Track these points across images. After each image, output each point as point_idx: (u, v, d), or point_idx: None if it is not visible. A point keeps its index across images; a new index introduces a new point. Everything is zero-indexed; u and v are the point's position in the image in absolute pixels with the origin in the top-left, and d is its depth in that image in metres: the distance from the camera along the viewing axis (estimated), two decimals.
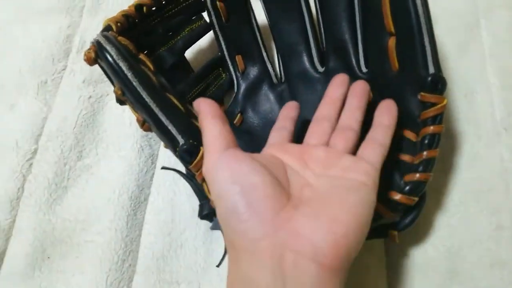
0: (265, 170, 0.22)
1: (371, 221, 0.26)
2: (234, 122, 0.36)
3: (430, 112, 0.26)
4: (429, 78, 0.25)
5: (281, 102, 0.37)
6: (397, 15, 0.27)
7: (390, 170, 0.27)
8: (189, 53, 0.37)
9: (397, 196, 0.25)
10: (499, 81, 0.35)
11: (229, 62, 0.37)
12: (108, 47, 0.23)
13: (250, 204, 0.20)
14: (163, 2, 0.32)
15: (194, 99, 0.35)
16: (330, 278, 0.19)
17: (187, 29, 0.35)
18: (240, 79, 0.38)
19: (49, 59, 0.39)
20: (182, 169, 0.34)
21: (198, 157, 0.24)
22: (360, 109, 0.27)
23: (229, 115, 0.37)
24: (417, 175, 0.25)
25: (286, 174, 0.23)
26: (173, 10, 0.33)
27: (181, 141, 0.24)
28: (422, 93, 0.26)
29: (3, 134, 0.36)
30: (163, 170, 0.35)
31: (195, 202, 0.33)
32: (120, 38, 0.25)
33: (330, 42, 0.34)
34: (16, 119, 0.37)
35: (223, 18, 0.35)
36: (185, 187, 0.34)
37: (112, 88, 0.31)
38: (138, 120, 0.25)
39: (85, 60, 0.24)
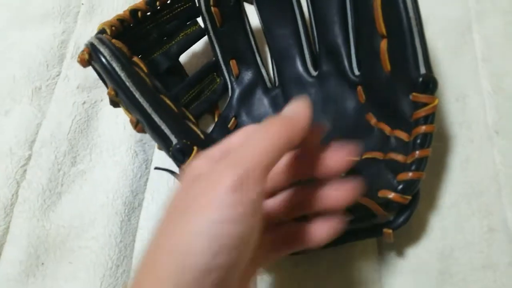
0: None
1: (365, 220, 0.27)
2: (229, 126, 0.36)
3: (422, 112, 0.26)
4: (420, 79, 0.26)
5: (275, 106, 0.37)
6: (389, 18, 0.27)
7: (383, 170, 0.27)
8: (184, 58, 0.38)
9: (391, 195, 0.25)
10: (491, 85, 0.35)
11: (223, 67, 0.38)
12: (102, 48, 0.23)
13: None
14: (158, 7, 0.33)
15: (188, 103, 0.35)
16: None
17: (182, 34, 0.35)
18: (234, 83, 0.38)
19: (43, 65, 0.39)
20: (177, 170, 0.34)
21: (191, 157, 0.24)
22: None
23: (223, 119, 0.37)
24: (410, 174, 0.25)
25: None
26: (168, 15, 0.34)
27: (174, 140, 0.24)
28: (414, 94, 0.26)
29: None
30: (157, 176, 0.35)
31: None
32: (114, 41, 0.26)
33: (323, 46, 0.35)
34: (10, 125, 0.37)
35: (217, 24, 0.36)
36: None
37: (106, 93, 0.32)
38: (131, 121, 0.26)
39: (78, 62, 0.24)
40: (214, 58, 0.38)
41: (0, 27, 0.42)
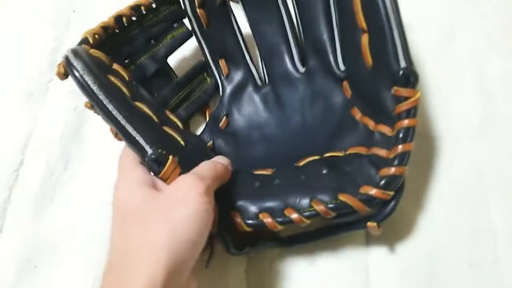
0: None
1: (348, 215, 0.27)
2: (220, 125, 0.37)
3: (404, 106, 0.26)
4: (401, 72, 0.25)
5: (265, 103, 0.37)
6: (368, 12, 0.27)
7: (366, 165, 0.27)
8: (174, 61, 0.38)
9: (373, 191, 0.25)
10: (475, 86, 0.35)
11: (213, 67, 0.38)
12: (75, 62, 0.24)
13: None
14: (144, 12, 0.33)
15: (178, 104, 0.36)
16: None
17: (169, 36, 0.36)
18: (225, 82, 0.38)
19: (36, 71, 0.40)
20: None
21: (167, 166, 0.24)
22: None
23: (215, 119, 0.37)
24: (392, 169, 0.25)
25: None
26: (154, 19, 0.34)
27: (149, 151, 0.25)
28: (395, 88, 0.26)
29: None
30: None
31: None
32: (92, 50, 0.26)
33: (309, 43, 0.34)
34: (3, 130, 0.38)
35: (204, 25, 0.36)
36: None
37: None
38: (111, 131, 0.26)
39: (56, 75, 0.25)
40: (203, 59, 0.38)
41: None
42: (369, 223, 0.26)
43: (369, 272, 0.29)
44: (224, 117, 0.37)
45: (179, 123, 0.31)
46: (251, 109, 0.37)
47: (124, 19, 0.32)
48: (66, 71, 0.24)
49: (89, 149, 0.37)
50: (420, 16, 0.38)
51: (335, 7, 0.32)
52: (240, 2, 0.36)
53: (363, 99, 0.30)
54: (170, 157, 0.25)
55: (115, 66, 0.28)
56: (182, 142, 0.29)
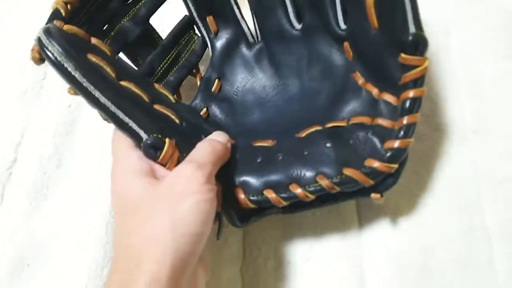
0: None
1: (352, 187, 0.27)
2: (212, 90, 0.35)
3: (411, 75, 0.24)
4: (410, 38, 0.24)
5: (259, 63, 0.35)
6: None
7: (371, 136, 0.26)
8: (156, 21, 0.34)
9: (377, 164, 0.25)
10: (469, 87, 0.35)
11: (200, 24, 0.35)
12: (50, 46, 0.21)
13: None
14: None
15: (166, 70, 0.33)
16: None
17: None
18: (214, 41, 0.35)
19: (29, 68, 0.39)
20: None
21: (165, 151, 0.23)
22: None
23: (206, 83, 0.35)
24: (397, 142, 0.25)
25: None
26: None
27: (144, 136, 0.23)
28: (402, 55, 0.24)
29: None
30: None
31: None
32: (66, 27, 0.23)
33: None
34: None
35: None
36: None
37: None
38: (101, 116, 0.24)
39: (31, 59, 0.22)
40: (188, 14, 0.34)
41: None
42: (372, 194, 0.27)
43: (364, 269, 0.30)
44: (216, 80, 0.35)
45: (170, 97, 0.29)
46: (244, 69, 0.35)
47: None
48: (41, 55, 0.22)
49: (83, 147, 0.36)
50: None
51: None
52: None
53: (366, 64, 0.29)
54: (167, 140, 0.24)
55: (94, 40, 0.25)
56: (177, 120, 0.27)
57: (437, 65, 0.37)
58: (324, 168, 0.26)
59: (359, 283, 0.29)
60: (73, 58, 0.21)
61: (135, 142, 0.24)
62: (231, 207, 0.27)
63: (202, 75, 0.35)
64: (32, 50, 0.22)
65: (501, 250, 0.29)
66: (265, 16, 0.34)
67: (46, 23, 0.23)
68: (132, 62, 0.33)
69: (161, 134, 0.24)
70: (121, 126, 0.23)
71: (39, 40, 0.21)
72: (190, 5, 0.33)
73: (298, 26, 0.33)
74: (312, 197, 0.26)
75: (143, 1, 0.31)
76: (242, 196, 0.27)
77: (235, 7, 0.34)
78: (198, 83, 0.35)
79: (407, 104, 0.25)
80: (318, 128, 0.29)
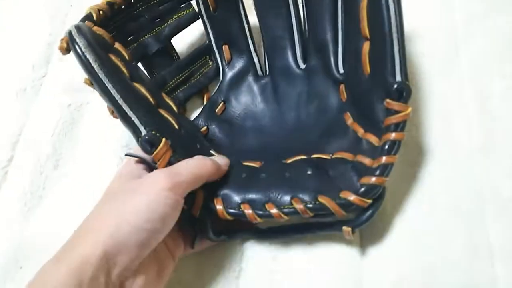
0: None
1: (326, 217, 0.28)
2: (216, 110, 0.37)
3: (394, 119, 0.26)
4: (395, 86, 0.26)
5: (263, 94, 0.38)
6: (373, 22, 0.27)
7: (350, 171, 0.28)
8: (179, 42, 0.38)
9: (351, 197, 0.26)
10: (476, 105, 0.35)
11: (216, 51, 0.38)
12: (78, 38, 0.24)
13: None
14: None
15: (176, 86, 0.36)
16: None
17: (175, 16, 0.36)
18: (226, 68, 0.39)
19: (29, 66, 0.38)
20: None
21: (159, 148, 0.25)
22: None
23: (212, 103, 0.38)
24: (373, 178, 0.26)
25: None
26: None
27: (143, 131, 0.26)
28: (388, 100, 0.27)
29: None
30: None
31: None
32: (95, 28, 0.27)
33: (313, 41, 0.35)
34: None
35: (211, 8, 0.36)
36: None
37: (93, 96, 0.31)
38: (108, 108, 0.27)
39: (59, 49, 0.25)
40: (207, 42, 0.38)
41: None
42: (344, 227, 0.27)
43: (363, 285, 0.29)
44: (222, 103, 0.38)
45: (174, 107, 0.32)
46: (249, 98, 0.38)
47: None
48: (68, 46, 0.25)
49: (81, 147, 0.36)
50: (424, 32, 0.38)
51: (342, 10, 0.32)
52: None
53: (356, 105, 0.31)
54: (163, 139, 0.26)
55: (117, 45, 0.28)
56: (176, 126, 0.29)
57: (445, 81, 0.36)
58: (300, 193, 0.27)
59: None
60: (95, 52, 0.24)
61: (134, 136, 0.26)
62: (209, 215, 0.28)
63: (210, 96, 0.38)
64: (62, 40, 0.25)
65: (504, 271, 0.28)
66: (276, 54, 0.37)
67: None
68: (148, 72, 0.36)
69: (159, 133, 0.26)
70: (124, 118, 0.26)
71: (69, 32, 0.25)
72: (210, 32, 0.37)
73: (302, 65, 0.36)
74: (286, 218, 0.27)
75: (168, 22, 0.35)
76: (220, 207, 0.28)
77: (250, 41, 0.38)
78: (205, 102, 0.38)
79: (387, 145, 0.27)
80: (304, 157, 0.30)
